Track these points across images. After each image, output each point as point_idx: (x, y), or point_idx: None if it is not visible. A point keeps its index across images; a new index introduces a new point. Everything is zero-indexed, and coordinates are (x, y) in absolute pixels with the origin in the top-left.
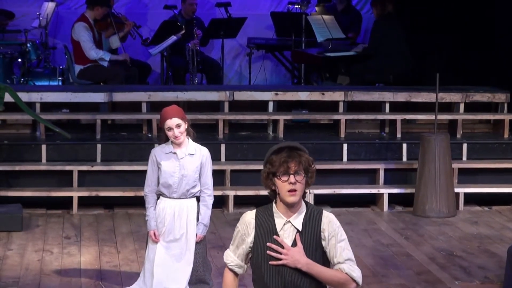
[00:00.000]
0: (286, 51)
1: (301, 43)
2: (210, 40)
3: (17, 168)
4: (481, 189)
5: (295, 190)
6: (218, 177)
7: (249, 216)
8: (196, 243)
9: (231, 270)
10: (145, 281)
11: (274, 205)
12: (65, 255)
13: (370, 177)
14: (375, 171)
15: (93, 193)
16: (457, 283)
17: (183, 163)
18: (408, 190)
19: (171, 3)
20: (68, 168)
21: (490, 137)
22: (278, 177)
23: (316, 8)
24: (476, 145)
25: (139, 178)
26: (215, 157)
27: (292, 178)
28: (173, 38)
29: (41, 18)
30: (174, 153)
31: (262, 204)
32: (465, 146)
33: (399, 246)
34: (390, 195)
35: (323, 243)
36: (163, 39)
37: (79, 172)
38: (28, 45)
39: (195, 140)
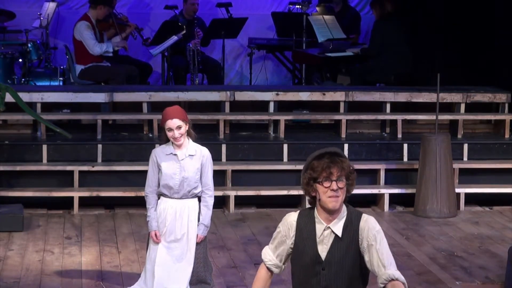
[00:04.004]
0: (287, 51)
1: (302, 43)
2: (211, 40)
3: (18, 168)
4: (482, 189)
5: (337, 197)
6: (219, 177)
7: (292, 218)
8: (197, 243)
9: (268, 268)
10: (146, 281)
11: (315, 210)
12: (66, 255)
13: (371, 177)
14: (376, 171)
15: (94, 193)
16: (458, 283)
17: (183, 165)
18: (409, 190)
19: (172, 3)
20: (69, 168)
21: (491, 137)
22: (320, 183)
23: (317, 8)
24: (477, 145)
25: (140, 178)
26: (216, 157)
27: (334, 185)
28: (174, 38)
29: (42, 18)
30: (175, 154)
31: (263, 204)
32: (466, 146)
33: (400, 246)
34: (391, 195)
35: (361, 248)
36: (164, 39)
37: (80, 172)
38: (29, 45)
39: (196, 141)
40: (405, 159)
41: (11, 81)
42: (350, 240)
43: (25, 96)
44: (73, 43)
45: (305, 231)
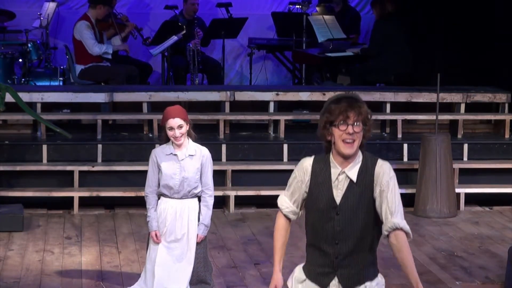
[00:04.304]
0: (287, 51)
1: (302, 43)
2: (211, 40)
3: (18, 168)
4: (482, 189)
5: (352, 142)
6: (219, 177)
7: (307, 163)
8: (197, 243)
9: (285, 215)
10: (146, 281)
11: (331, 155)
12: (66, 255)
13: None
14: None
15: (94, 193)
16: (458, 283)
17: (183, 165)
18: (409, 190)
19: (172, 3)
20: (69, 168)
21: (491, 137)
22: (336, 126)
23: (317, 8)
24: (477, 145)
25: (140, 178)
26: (216, 157)
27: (350, 129)
28: (174, 38)
29: (42, 18)
30: (175, 154)
31: (263, 204)
32: (466, 146)
33: None
34: None
35: (375, 194)
36: (164, 39)
37: (80, 172)
38: (29, 45)
39: (196, 141)
40: (405, 159)
41: (11, 81)
42: (365, 185)
43: (25, 96)
44: (73, 43)
45: (320, 175)
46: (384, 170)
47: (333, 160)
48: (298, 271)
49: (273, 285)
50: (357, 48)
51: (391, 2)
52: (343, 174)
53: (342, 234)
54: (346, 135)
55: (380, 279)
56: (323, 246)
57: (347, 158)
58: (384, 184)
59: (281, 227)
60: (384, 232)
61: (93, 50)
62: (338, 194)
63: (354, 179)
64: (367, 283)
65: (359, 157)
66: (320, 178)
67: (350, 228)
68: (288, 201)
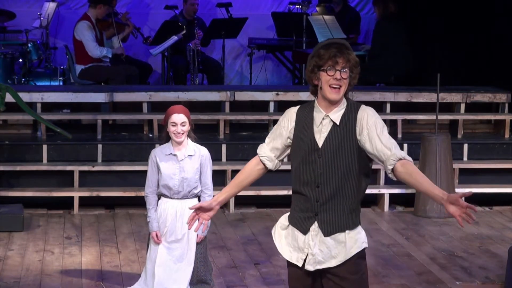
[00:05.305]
0: (287, 51)
1: (302, 43)
2: (211, 40)
3: (18, 168)
4: (482, 189)
5: (339, 87)
6: (219, 177)
7: (293, 111)
8: (197, 243)
9: (261, 161)
10: (146, 281)
11: (316, 100)
12: (66, 255)
13: (371, 177)
14: (376, 171)
15: (94, 193)
16: (458, 283)
17: (183, 165)
18: (409, 190)
19: (172, 3)
20: (69, 168)
21: (490, 137)
22: (324, 71)
23: (317, 8)
24: (477, 145)
25: (140, 178)
26: (216, 157)
27: (338, 75)
28: (174, 38)
29: (42, 18)
30: (175, 155)
31: (263, 204)
32: (466, 146)
33: (400, 246)
34: (391, 195)
35: (361, 138)
36: (164, 39)
37: (80, 172)
38: (29, 45)
39: (196, 141)
40: None
41: (11, 81)
42: (347, 129)
43: (25, 96)
44: (73, 43)
45: (304, 120)
46: (368, 113)
47: (318, 105)
48: (283, 219)
49: (198, 204)
50: (359, 51)
51: (393, 2)
52: (327, 118)
53: (323, 177)
54: (334, 81)
55: (360, 229)
56: (305, 190)
57: (332, 103)
58: (371, 125)
59: (247, 168)
60: (388, 167)
61: (93, 52)
62: (321, 138)
63: (338, 122)
64: (347, 231)
65: (344, 103)
66: (304, 123)
67: (331, 171)
68: (265, 147)
